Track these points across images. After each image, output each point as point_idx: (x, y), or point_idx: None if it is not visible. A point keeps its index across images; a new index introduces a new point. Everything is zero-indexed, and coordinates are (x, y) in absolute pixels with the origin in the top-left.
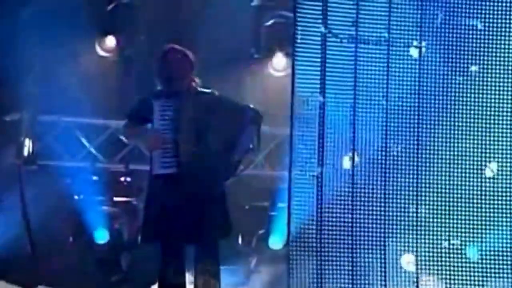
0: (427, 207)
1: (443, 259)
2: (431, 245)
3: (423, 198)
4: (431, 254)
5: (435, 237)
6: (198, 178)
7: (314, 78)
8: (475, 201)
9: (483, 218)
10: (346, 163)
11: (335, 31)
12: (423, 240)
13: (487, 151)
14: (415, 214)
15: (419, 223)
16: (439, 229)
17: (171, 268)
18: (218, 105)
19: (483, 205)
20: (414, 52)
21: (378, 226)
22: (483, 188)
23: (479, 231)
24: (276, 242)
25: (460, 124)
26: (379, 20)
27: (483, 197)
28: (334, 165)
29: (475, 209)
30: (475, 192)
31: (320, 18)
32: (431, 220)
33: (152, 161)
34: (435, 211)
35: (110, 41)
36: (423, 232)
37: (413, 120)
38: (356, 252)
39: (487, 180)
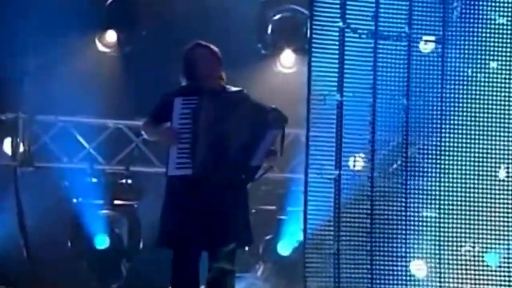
0: (448, 211)
1: (465, 265)
2: (452, 251)
3: (444, 201)
4: (452, 259)
5: (456, 243)
6: (215, 182)
7: (331, 76)
8: (497, 205)
9: (506, 223)
10: (354, 164)
11: (353, 26)
12: (445, 246)
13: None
14: (437, 219)
15: (441, 228)
16: (460, 234)
17: (184, 277)
18: (242, 105)
19: (506, 209)
20: (423, 47)
21: (399, 232)
22: (506, 192)
23: (500, 237)
24: (285, 247)
25: (480, 123)
26: (400, 14)
27: (506, 200)
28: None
29: (497, 214)
30: (498, 196)
31: (338, 12)
32: (452, 224)
33: (167, 161)
34: (456, 215)
35: (111, 36)
36: (445, 238)
37: (435, 119)
38: (375, 259)
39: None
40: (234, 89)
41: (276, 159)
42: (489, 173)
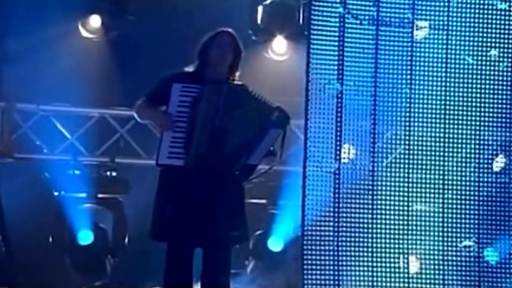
0: (452, 205)
1: (465, 261)
2: (452, 246)
3: (448, 195)
4: (452, 255)
5: (456, 238)
6: (207, 176)
7: (331, 64)
8: (498, 199)
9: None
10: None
11: (354, 12)
12: (448, 242)
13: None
14: (440, 214)
15: (444, 223)
16: (459, 229)
17: (178, 271)
18: (245, 100)
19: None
20: (417, 33)
21: (400, 227)
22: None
23: (498, 232)
24: (276, 243)
25: (481, 113)
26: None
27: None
28: (353, 160)
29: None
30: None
31: None
32: (452, 219)
33: (159, 148)
34: (460, 209)
35: (95, 21)
36: (448, 233)
37: (438, 109)
38: (375, 256)
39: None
40: (239, 82)
41: (274, 160)
42: (489, 166)
